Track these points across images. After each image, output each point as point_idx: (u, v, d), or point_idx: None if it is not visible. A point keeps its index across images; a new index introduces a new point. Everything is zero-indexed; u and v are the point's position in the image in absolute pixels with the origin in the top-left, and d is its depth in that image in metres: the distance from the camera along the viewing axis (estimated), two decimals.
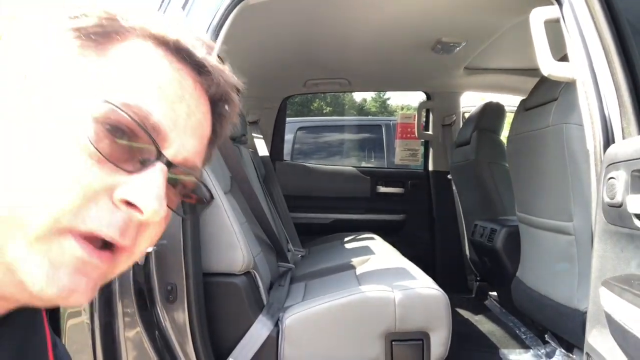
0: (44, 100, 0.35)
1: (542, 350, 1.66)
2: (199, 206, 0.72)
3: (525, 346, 1.81)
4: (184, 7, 1.28)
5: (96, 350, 1.11)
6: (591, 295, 0.96)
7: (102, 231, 0.35)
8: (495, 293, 2.42)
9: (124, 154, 0.35)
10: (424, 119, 3.28)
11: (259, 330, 1.32)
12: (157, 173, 0.36)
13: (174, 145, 0.38)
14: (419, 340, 1.32)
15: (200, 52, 0.41)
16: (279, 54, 2.33)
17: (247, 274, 1.39)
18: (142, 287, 1.17)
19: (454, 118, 3.13)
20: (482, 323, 2.13)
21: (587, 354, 0.96)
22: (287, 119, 3.45)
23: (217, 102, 0.45)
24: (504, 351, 1.78)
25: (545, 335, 1.64)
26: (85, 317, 1.10)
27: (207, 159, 0.46)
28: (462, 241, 2.81)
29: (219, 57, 0.45)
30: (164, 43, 0.39)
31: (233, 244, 1.33)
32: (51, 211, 0.33)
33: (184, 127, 0.39)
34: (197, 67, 0.41)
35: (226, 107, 0.47)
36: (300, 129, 4.20)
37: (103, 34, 0.37)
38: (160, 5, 1.29)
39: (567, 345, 1.56)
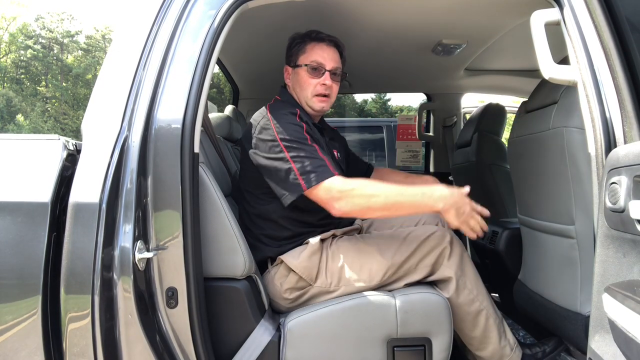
0: None
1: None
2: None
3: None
4: (184, 8, 1.28)
5: (97, 354, 1.11)
6: (594, 300, 0.95)
7: None
8: (497, 295, 2.42)
9: None
10: (425, 120, 3.28)
11: (261, 335, 1.32)
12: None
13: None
14: (421, 346, 1.32)
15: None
16: (279, 55, 2.31)
17: (248, 278, 1.38)
18: (143, 291, 1.17)
19: (455, 119, 3.12)
20: None
21: (590, 359, 0.95)
22: None
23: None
24: None
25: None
26: (86, 321, 1.10)
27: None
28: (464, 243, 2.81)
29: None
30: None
31: (234, 248, 1.33)
32: None
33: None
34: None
35: None
36: None
37: None
38: (161, 7, 1.28)
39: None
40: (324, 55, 1.58)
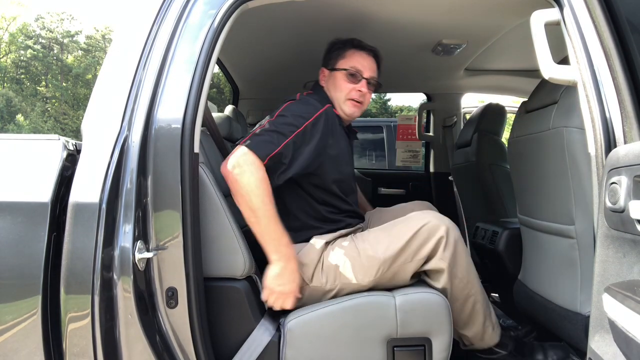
0: None
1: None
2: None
3: None
4: (184, 8, 1.28)
5: (97, 354, 1.11)
6: (594, 300, 0.95)
7: None
8: (497, 295, 2.42)
9: None
10: (425, 120, 3.28)
11: (261, 335, 1.32)
12: None
13: None
14: (421, 346, 1.32)
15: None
16: (279, 55, 2.32)
17: (248, 278, 1.38)
18: (143, 291, 1.17)
19: (455, 119, 3.13)
20: None
21: (590, 359, 0.95)
22: None
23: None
24: None
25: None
26: (86, 321, 1.10)
27: None
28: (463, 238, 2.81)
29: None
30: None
31: (234, 249, 1.33)
32: None
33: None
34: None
35: None
36: None
37: None
38: (161, 7, 1.28)
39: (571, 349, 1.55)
40: (363, 63, 1.63)
